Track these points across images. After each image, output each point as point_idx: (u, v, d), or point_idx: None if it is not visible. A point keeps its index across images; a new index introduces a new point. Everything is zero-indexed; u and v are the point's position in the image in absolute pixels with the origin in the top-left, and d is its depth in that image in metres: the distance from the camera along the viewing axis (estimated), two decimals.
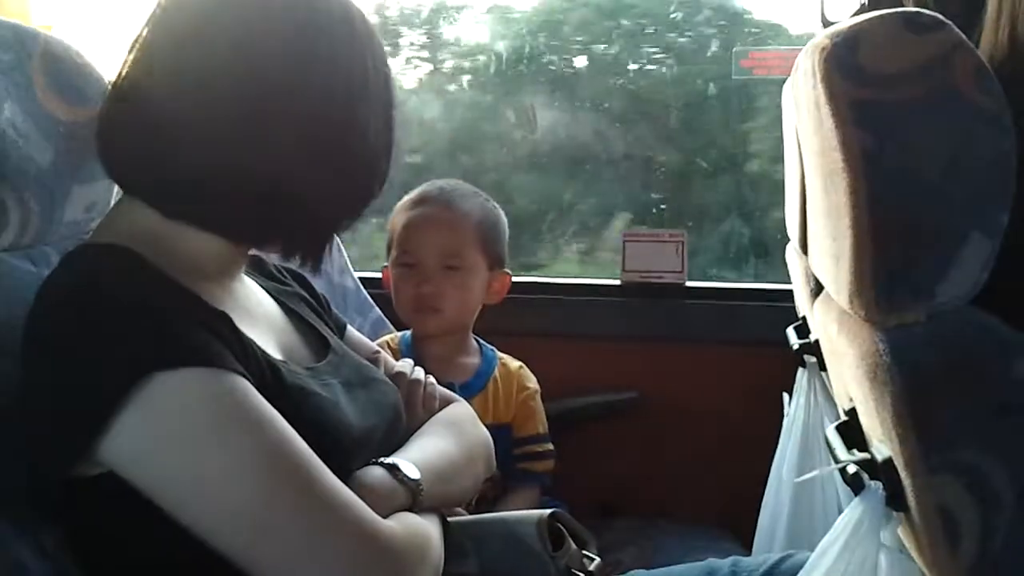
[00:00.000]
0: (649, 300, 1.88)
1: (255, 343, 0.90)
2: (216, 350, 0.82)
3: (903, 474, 0.74)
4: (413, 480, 0.94)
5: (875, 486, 0.78)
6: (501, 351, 1.64)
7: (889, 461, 0.76)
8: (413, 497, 0.94)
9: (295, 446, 0.82)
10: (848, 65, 0.74)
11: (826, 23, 1.46)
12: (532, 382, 1.62)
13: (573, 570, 1.04)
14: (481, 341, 1.64)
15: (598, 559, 1.07)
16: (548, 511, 1.05)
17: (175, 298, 0.85)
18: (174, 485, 0.80)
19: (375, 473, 0.94)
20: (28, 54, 0.97)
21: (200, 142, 0.86)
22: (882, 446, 0.78)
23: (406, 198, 1.60)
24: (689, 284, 1.88)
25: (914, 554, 0.78)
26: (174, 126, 0.86)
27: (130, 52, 0.91)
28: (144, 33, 0.91)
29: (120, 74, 0.92)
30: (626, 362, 1.86)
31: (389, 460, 0.96)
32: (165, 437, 0.79)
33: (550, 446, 1.60)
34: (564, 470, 1.62)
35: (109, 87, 0.93)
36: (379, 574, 0.83)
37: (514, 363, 1.63)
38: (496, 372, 1.60)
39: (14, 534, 0.83)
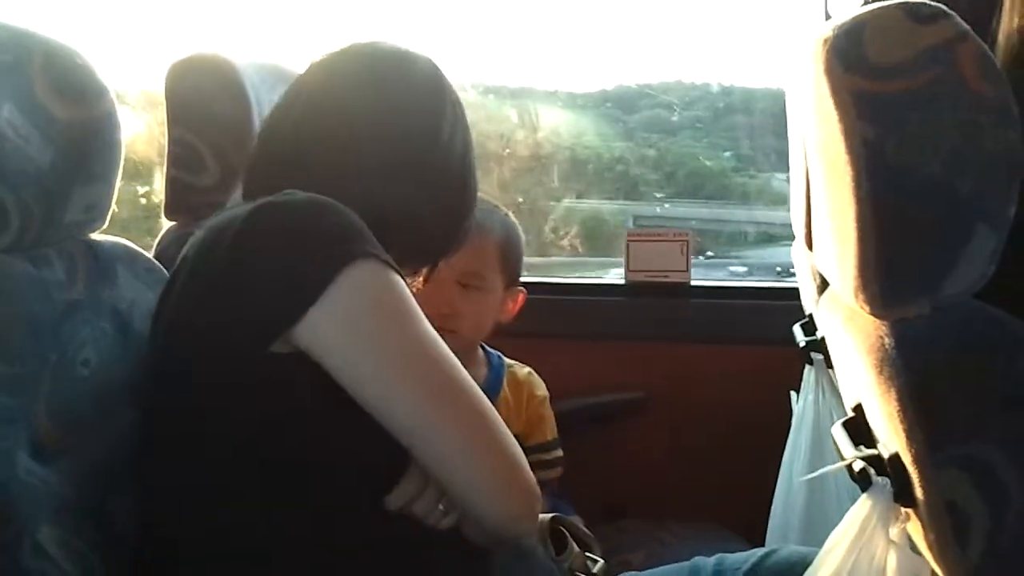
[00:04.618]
0: (654, 299, 1.87)
1: None
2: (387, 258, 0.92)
3: (910, 469, 0.73)
4: None
5: (882, 482, 0.77)
6: (506, 352, 1.62)
7: (896, 457, 0.75)
8: None
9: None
10: (851, 56, 0.73)
11: (828, 17, 1.45)
12: (541, 388, 1.59)
13: (577, 573, 1.03)
14: (487, 348, 1.60)
15: (602, 561, 1.07)
16: (549, 516, 1.05)
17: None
18: (363, 359, 0.88)
19: None
20: (28, 54, 0.96)
21: (339, 187, 0.95)
22: (889, 442, 0.77)
23: None
24: (694, 283, 1.87)
25: (923, 550, 0.77)
26: (318, 173, 0.99)
27: (283, 99, 1.07)
28: (296, 87, 1.07)
29: (273, 117, 1.07)
30: (632, 362, 1.85)
31: None
32: (359, 314, 0.89)
33: (559, 452, 1.58)
34: (571, 471, 1.60)
35: (260, 131, 1.10)
36: (518, 494, 0.90)
37: (522, 370, 1.60)
38: (505, 382, 1.57)
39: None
